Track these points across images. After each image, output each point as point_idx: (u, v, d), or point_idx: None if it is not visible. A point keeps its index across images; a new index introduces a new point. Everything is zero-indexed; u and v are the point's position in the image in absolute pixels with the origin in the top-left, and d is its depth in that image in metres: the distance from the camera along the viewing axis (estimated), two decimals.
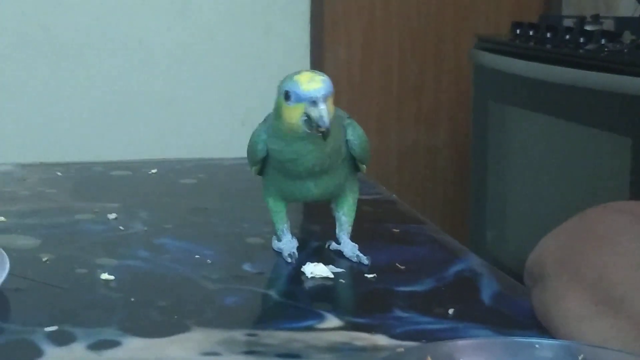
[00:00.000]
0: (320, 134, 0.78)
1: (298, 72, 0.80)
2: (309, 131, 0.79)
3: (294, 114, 0.79)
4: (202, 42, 3.10)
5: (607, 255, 0.66)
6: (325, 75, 0.79)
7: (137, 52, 3.06)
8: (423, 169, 3.30)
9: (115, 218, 1.03)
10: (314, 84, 0.78)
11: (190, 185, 1.22)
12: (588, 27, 2.32)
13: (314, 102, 0.77)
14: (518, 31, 2.53)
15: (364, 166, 0.89)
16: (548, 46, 2.34)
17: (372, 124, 3.14)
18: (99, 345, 0.68)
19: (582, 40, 2.23)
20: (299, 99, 0.78)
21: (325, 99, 0.78)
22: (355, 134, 0.87)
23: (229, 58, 3.13)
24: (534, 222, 2.36)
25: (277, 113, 0.81)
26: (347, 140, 0.86)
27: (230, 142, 3.00)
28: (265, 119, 0.87)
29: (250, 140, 0.88)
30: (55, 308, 0.77)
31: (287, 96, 0.79)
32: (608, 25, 2.37)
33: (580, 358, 0.55)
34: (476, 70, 2.64)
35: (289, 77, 0.80)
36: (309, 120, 0.78)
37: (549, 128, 2.28)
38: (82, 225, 1.02)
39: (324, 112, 0.77)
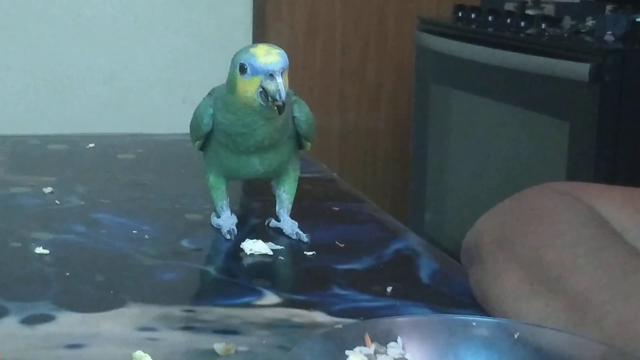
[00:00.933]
0: (276, 108, 0.77)
1: (254, 45, 0.79)
2: (264, 104, 0.78)
3: (249, 87, 0.78)
4: (143, 16, 3.06)
5: (544, 235, 0.67)
6: (281, 49, 0.79)
7: (76, 24, 3.01)
8: (364, 150, 3.31)
9: (52, 192, 1.02)
10: (270, 57, 0.77)
11: (128, 161, 1.20)
12: (529, 12, 2.35)
13: (270, 76, 0.77)
14: (460, 14, 2.55)
15: (309, 143, 0.89)
16: (489, 29, 2.35)
17: (314, 104, 3.10)
18: (32, 320, 0.67)
19: (523, 24, 2.25)
20: (256, 72, 0.77)
21: (282, 72, 0.77)
22: (302, 111, 0.86)
23: (170, 34, 3.09)
24: (472, 203, 2.38)
25: (231, 86, 0.80)
26: (293, 117, 0.86)
27: (170, 119, 2.97)
28: (210, 93, 0.86)
29: (194, 113, 0.86)
30: None
31: (242, 69, 0.78)
32: (549, 10, 2.40)
33: (516, 336, 0.56)
34: (418, 52, 2.65)
35: (245, 50, 0.79)
36: (264, 93, 0.77)
37: (489, 111, 2.30)
38: (17, 198, 1.00)
39: (281, 85, 0.77)
